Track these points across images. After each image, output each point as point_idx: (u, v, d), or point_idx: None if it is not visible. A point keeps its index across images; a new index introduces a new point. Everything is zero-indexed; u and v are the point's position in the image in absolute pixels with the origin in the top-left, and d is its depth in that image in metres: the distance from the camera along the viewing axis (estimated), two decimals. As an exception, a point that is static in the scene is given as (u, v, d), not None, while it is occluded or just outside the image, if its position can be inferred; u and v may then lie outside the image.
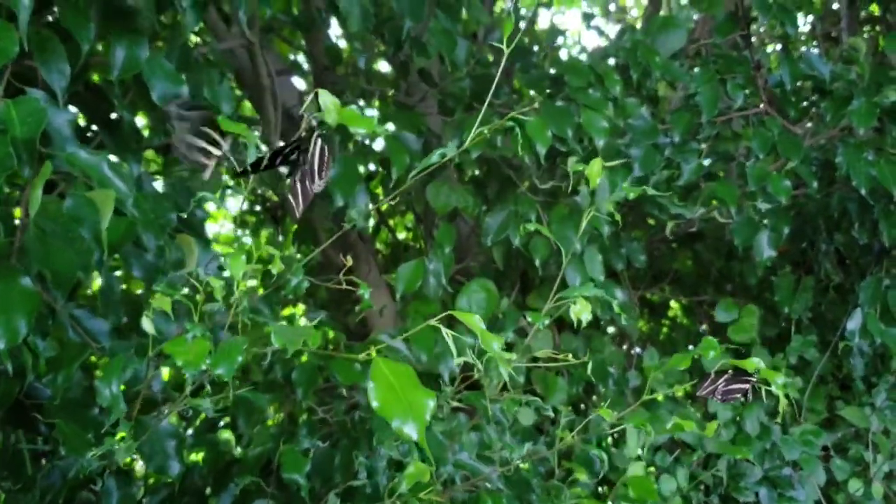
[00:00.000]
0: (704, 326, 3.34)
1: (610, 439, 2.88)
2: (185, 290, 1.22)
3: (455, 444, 1.59)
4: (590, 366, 2.25)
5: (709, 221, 2.48)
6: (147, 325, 1.15)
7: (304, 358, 2.12)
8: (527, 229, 1.79)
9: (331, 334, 2.78)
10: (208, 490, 2.03)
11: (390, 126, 2.16)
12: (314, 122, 1.10)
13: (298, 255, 3.10)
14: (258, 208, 3.60)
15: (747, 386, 1.62)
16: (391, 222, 3.83)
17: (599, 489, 2.62)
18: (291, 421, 2.59)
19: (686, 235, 3.09)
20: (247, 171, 1.12)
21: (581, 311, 1.37)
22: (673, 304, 3.65)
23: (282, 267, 1.13)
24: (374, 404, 0.93)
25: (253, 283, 2.64)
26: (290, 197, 1.14)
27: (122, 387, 1.24)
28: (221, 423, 2.34)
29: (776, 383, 1.37)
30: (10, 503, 1.29)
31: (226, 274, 1.18)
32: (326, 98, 1.00)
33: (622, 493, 2.18)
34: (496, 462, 1.61)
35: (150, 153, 2.58)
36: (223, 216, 3.96)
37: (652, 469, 2.80)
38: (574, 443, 1.89)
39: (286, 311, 3.61)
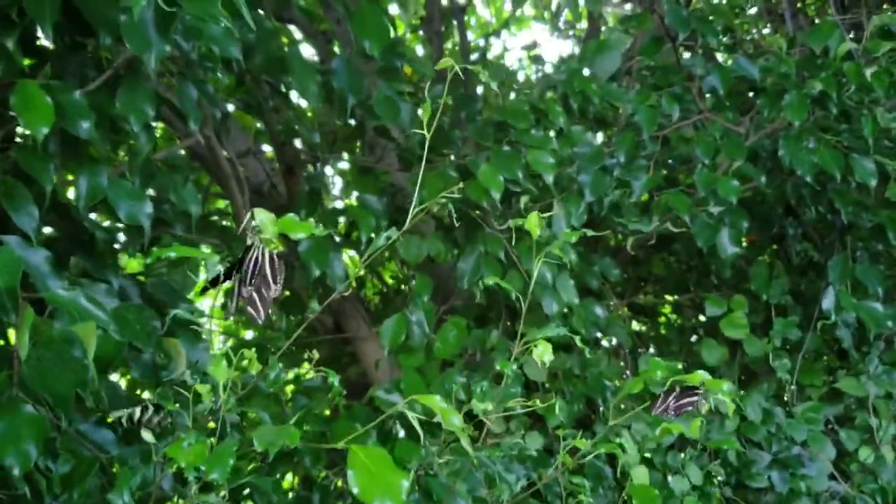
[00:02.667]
0: (703, 318, 3.41)
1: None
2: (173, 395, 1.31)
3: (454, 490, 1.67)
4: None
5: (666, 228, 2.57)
6: (147, 435, 1.24)
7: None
8: (486, 284, 1.88)
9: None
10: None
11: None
12: (255, 238, 1.21)
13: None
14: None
15: (696, 398, 1.71)
16: (379, 270, 3.93)
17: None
18: (306, 485, 2.68)
19: (659, 239, 3.19)
20: (206, 289, 1.22)
21: (543, 354, 1.46)
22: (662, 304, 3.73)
23: (259, 367, 1.23)
24: (355, 490, 1.03)
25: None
26: (248, 308, 1.24)
27: (138, 491, 1.33)
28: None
29: (722, 391, 1.46)
30: None
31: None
32: (262, 216, 1.11)
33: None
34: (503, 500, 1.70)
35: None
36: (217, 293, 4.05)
37: (664, 471, 2.87)
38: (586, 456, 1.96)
39: (290, 374, 3.70)
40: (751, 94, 2.70)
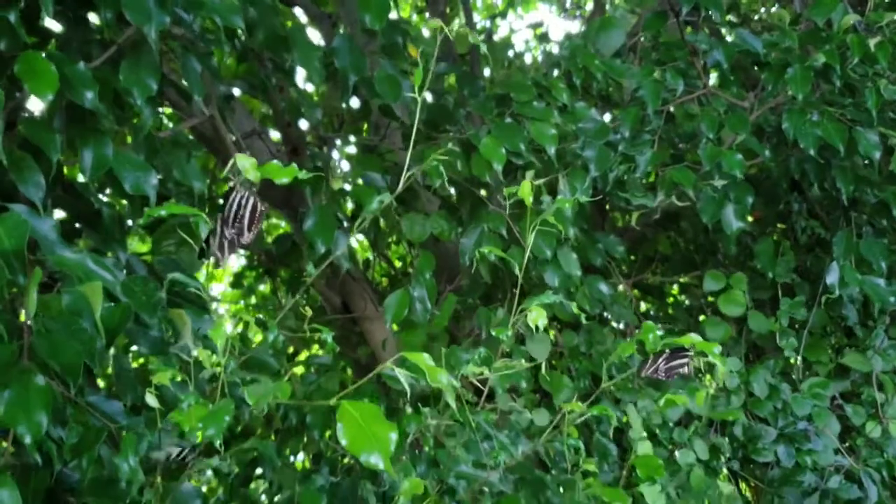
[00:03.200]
0: (711, 298, 3.41)
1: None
2: (179, 364, 1.33)
3: (455, 456, 1.70)
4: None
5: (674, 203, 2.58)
6: (151, 399, 1.27)
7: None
8: (482, 254, 1.90)
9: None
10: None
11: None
12: (236, 182, 1.23)
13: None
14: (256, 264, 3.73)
15: (686, 360, 1.73)
16: (386, 252, 3.95)
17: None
18: (317, 461, 2.71)
19: (665, 217, 3.20)
20: (203, 251, 1.24)
21: (537, 319, 1.48)
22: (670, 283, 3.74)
23: (259, 330, 1.25)
24: (344, 442, 1.05)
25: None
26: (216, 250, 1.26)
27: (140, 459, 1.36)
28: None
29: (713, 353, 1.47)
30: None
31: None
32: (244, 161, 1.12)
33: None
34: (498, 465, 1.72)
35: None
36: (225, 275, 4.09)
37: (671, 446, 2.89)
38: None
39: (302, 356, 3.74)
40: (755, 68, 2.70)
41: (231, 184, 1.37)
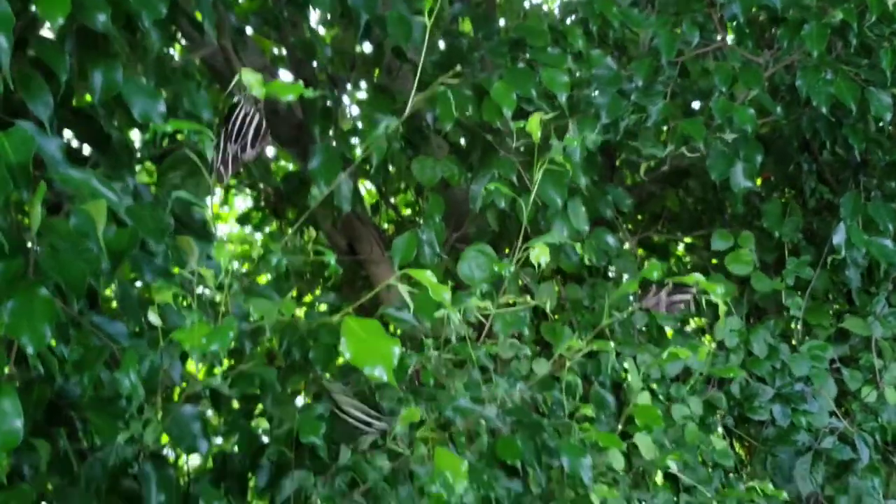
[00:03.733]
0: (714, 261, 3.41)
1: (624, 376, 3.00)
2: (181, 284, 1.35)
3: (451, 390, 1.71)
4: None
5: (690, 157, 2.57)
6: (153, 317, 1.28)
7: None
8: (490, 193, 1.90)
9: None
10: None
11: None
12: (241, 97, 1.22)
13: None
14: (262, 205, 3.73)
15: (688, 297, 1.73)
16: (393, 201, 3.95)
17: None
18: (317, 400, 2.73)
19: (674, 173, 3.19)
20: (212, 166, 1.24)
21: (540, 255, 1.48)
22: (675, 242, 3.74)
23: (261, 251, 1.26)
24: (347, 355, 1.06)
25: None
26: (218, 165, 1.26)
27: (141, 377, 1.38)
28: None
29: (716, 294, 1.48)
30: (60, 496, 1.43)
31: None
32: (249, 76, 1.12)
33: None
34: (495, 401, 1.74)
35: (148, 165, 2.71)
36: (231, 216, 4.10)
37: (667, 402, 2.92)
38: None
39: (308, 298, 3.75)
40: (773, 29, 2.67)
41: (236, 99, 1.37)
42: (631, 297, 2.70)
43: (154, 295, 1.28)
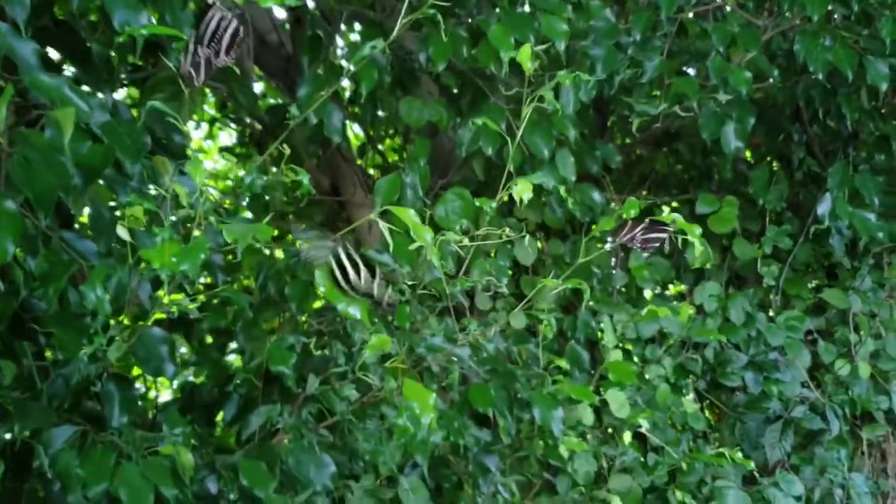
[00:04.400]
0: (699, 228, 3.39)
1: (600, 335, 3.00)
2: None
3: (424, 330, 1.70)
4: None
5: (682, 119, 2.54)
6: (122, 231, 1.24)
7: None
8: (475, 125, 1.86)
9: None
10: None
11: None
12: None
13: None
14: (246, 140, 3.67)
15: (664, 235, 1.71)
16: (380, 147, 3.90)
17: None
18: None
19: (664, 135, 3.16)
20: (191, 76, 1.20)
21: (522, 192, 1.46)
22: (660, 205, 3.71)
23: (233, 171, 1.22)
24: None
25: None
26: (189, 68, 1.21)
27: (108, 295, 1.34)
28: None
29: (693, 234, 1.46)
30: (20, 410, 1.40)
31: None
32: None
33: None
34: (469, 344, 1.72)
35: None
36: (214, 152, 4.03)
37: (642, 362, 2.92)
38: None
39: (290, 238, 3.71)
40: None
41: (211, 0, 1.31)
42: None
43: (126, 211, 1.24)
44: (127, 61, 1.80)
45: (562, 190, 1.75)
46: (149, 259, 1.19)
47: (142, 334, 1.44)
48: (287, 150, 1.48)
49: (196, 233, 1.26)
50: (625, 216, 1.71)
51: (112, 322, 1.34)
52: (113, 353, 1.30)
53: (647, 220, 1.72)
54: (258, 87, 3.45)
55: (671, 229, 1.69)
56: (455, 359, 1.70)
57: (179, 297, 1.30)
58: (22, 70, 1.32)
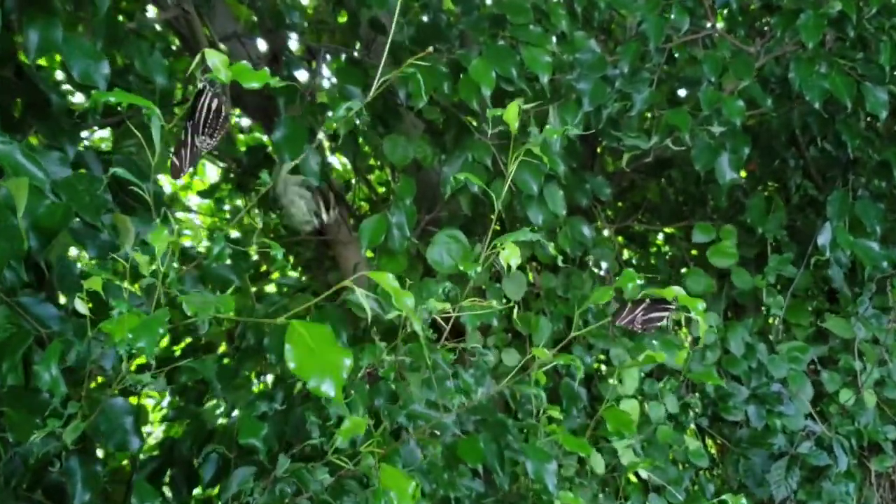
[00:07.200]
0: (695, 252, 3.32)
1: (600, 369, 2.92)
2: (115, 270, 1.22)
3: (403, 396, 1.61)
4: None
5: (668, 149, 2.47)
6: (80, 306, 1.16)
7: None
8: (458, 180, 1.79)
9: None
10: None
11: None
12: (205, 83, 1.10)
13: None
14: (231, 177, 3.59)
15: (666, 314, 1.63)
16: (372, 178, 3.82)
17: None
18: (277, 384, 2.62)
19: (657, 164, 3.09)
20: (176, 167, 1.13)
21: (510, 257, 1.37)
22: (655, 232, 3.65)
23: (200, 240, 1.14)
24: (291, 365, 0.95)
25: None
26: (173, 157, 1.14)
27: (72, 364, 1.26)
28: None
29: (696, 309, 1.37)
30: (-24, 492, 1.32)
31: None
32: (214, 58, 1.00)
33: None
34: (452, 410, 1.62)
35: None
36: (202, 186, 3.95)
37: (641, 397, 2.83)
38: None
39: (276, 275, 3.63)
40: (765, 19, 2.57)
41: (201, 85, 1.23)
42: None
43: (86, 283, 1.15)
44: (95, 112, 1.72)
45: (551, 247, 1.67)
46: (109, 332, 1.10)
47: (104, 406, 1.35)
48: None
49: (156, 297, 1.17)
50: (625, 298, 1.63)
51: (72, 398, 1.25)
52: (69, 434, 1.21)
53: (647, 299, 1.63)
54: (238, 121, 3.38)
55: (673, 307, 1.60)
56: (437, 432, 1.61)
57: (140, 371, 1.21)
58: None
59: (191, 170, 1.28)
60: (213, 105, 1.18)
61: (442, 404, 1.62)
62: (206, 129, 1.16)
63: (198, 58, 1.06)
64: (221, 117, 1.24)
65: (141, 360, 1.34)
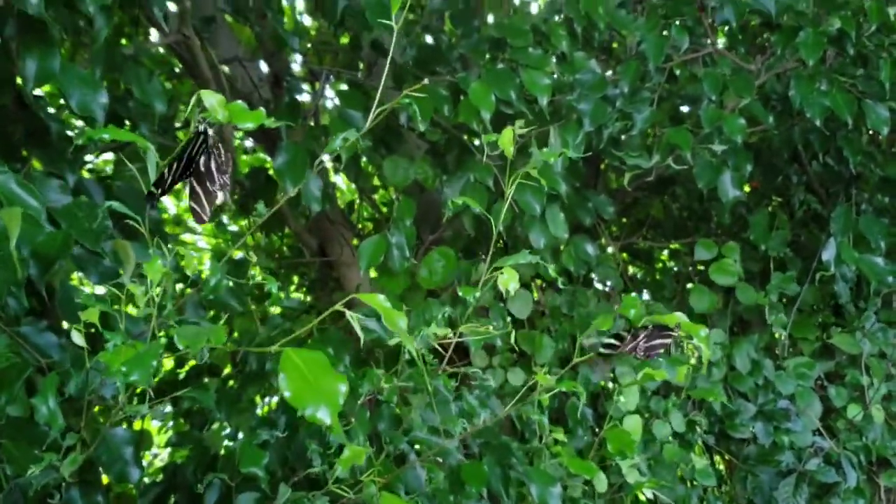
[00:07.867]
0: (701, 267, 3.31)
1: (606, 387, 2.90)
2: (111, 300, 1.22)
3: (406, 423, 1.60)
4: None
5: (670, 168, 2.47)
6: (77, 338, 1.16)
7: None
8: (456, 204, 1.79)
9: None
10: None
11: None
12: (202, 125, 1.10)
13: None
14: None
15: (669, 340, 1.62)
16: (376, 197, 3.83)
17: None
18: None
19: (660, 182, 3.08)
20: (153, 194, 1.13)
21: (508, 282, 1.37)
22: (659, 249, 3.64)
23: (195, 269, 1.14)
24: (286, 394, 0.94)
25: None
26: (192, 204, 1.14)
27: (71, 393, 1.25)
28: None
29: (699, 336, 1.36)
30: (-24, 525, 1.31)
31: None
32: (210, 98, 1.00)
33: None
34: (454, 436, 1.62)
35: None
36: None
37: (647, 415, 2.81)
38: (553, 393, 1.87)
39: (281, 295, 3.63)
40: (765, 35, 2.57)
41: (201, 127, 1.23)
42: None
43: (82, 315, 1.15)
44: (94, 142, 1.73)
45: (551, 269, 1.67)
46: (107, 362, 1.10)
47: (105, 436, 1.35)
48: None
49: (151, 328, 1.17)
50: (631, 325, 1.63)
51: (71, 429, 1.25)
52: (66, 468, 1.20)
53: (650, 326, 1.63)
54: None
55: (675, 334, 1.60)
56: (440, 459, 1.60)
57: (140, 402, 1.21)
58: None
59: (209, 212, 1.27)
60: (215, 145, 1.18)
61: (444, 430, 1.61)
62: (219, 172, 1.16)
63: (194, 98, 1.06)
64: (223, 159, 1.24)
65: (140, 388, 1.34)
